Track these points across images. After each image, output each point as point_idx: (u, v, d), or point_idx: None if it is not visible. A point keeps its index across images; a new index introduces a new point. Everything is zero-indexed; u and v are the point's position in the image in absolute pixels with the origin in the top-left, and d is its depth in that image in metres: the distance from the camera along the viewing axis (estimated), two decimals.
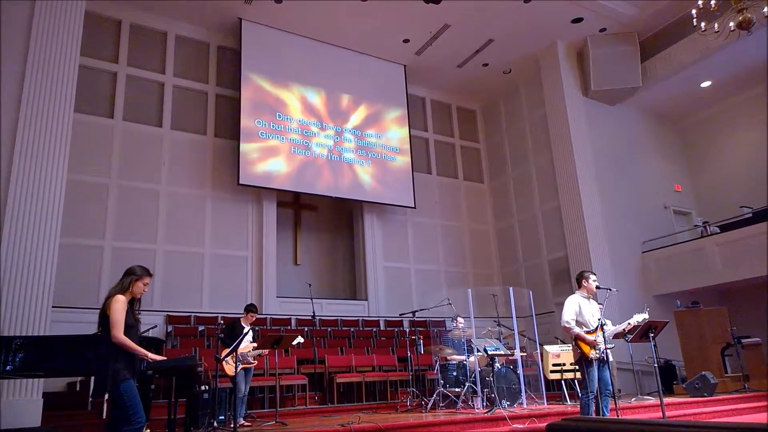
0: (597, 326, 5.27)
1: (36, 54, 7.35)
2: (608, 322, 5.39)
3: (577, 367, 5.48)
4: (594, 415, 5.03)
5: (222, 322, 6.85)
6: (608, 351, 5.25)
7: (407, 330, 10.65)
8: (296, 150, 10.87)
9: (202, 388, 6.37)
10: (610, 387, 5.26)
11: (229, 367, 6.30)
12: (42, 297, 6.69)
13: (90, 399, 7.00)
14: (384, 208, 12.00)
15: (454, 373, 7.74)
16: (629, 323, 5.44)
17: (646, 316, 5.48)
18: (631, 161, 12.37)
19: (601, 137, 11.99)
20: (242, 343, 6.28)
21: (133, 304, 3.88)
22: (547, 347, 8.70)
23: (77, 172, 8.87)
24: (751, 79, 11.65)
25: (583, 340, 5.20)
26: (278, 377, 7.59)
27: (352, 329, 10.56)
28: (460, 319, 8.24)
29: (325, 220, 12.17)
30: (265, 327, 9.63)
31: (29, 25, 7.38)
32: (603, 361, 5.22)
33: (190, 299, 9.63)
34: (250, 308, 6.86)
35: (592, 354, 5.14)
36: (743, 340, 9.06)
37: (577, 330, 5.24)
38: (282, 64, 11.11)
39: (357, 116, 11.79)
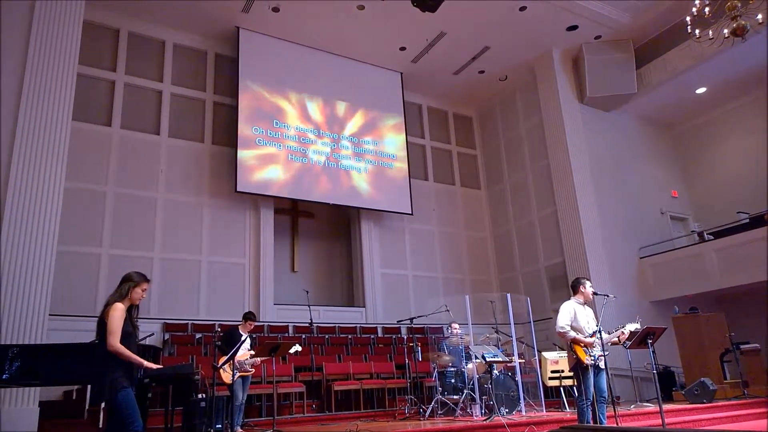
0: (592, 333, 5.27)
1: (34, 62, 7.38)
2: (602, 329, 5.39)
3: (573, 373, 5.47)
4: (591, 423, 5.01)
5: (219, 329, 6.83)
6: (603, 358, 5.23)
7: (405, 337, 10.62)
8: (293, 157, 10.89)
9: (199, 396, 6.34)
10: (605, 394, 5.25)
11: (226, 375, 6.28)
12: (39, 305, 6.67)
13: (86, 407, 6.96)
14: (381, 215, 12.01)
15: (453, 381, 7.71)
16: (622, 332, 5.44)
17: (637, 326, 5.48)
18: (627, 167, 12.40)
19: (597, 143, 12.03)
20: (240, 350, 6.27)
21: (131, 311, 3.88)
22: (545, 354, 8.68)
23: (75, 179, 8.88)
24: (746, 86, 11.71)
25: (580, 344, 5.19)
26: (275, 385, 7.58)
27: (349, 336, 10.55)
28: (455, 326, 8.23)
29: (322, 227, 12.17)
30: (262, 334, 9.61)
31: (27, 34, 7.41)
32: (598, 368, 5.21)
33: (187, 307, 9.60)
34: (249, 316, 6.85)
35: (588, 360, 5.13)
36: (742, 346, 9.05)
37: (573, 334, 5.23)
38: (279, 71, 11.15)
39: (354, 123, 11.82)
